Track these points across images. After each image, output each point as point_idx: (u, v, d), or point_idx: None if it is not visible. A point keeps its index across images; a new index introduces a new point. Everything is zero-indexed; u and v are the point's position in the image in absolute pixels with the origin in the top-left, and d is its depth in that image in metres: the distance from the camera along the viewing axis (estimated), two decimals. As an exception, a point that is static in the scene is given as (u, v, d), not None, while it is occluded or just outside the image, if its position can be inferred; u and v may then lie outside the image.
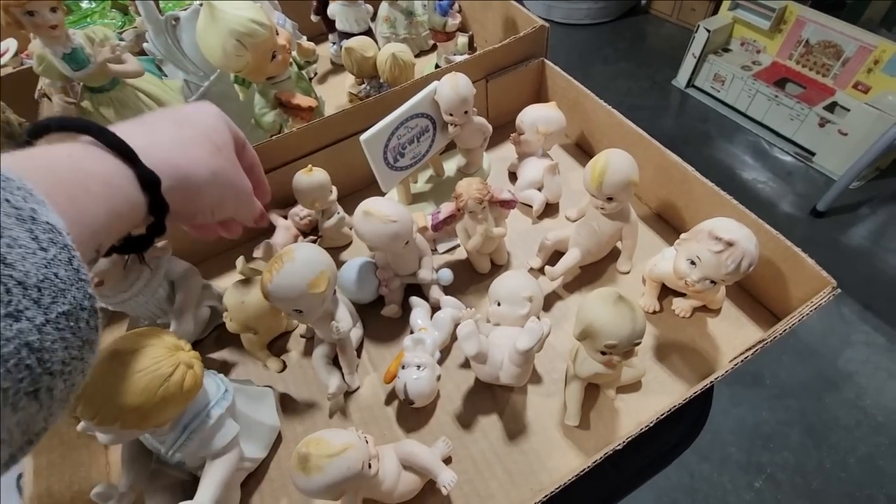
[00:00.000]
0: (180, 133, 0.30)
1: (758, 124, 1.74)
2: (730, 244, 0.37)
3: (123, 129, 0.27)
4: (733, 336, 0.46)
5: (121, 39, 0.55)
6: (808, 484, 1.12)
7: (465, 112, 0.52)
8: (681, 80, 1.92)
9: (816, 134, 1.58)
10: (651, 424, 0.34)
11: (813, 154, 1.62)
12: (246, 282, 0.44)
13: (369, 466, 0.34)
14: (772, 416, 1.22)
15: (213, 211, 0.33)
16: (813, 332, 1.33)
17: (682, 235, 0.42)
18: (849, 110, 1.49)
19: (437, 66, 0.74)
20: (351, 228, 0.56)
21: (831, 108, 1.55)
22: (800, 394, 1.25)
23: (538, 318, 0.43)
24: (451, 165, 0.62)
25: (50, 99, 0.64)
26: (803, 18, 1.58)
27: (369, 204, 0.43)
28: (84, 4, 0.82)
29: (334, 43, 0.79)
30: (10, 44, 0.87)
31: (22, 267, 0.17)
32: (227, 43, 0.46)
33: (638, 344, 0.36)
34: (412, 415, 0.45)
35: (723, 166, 1.66)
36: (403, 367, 0.43)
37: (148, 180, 0.26)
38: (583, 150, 0.64)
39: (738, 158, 1.70)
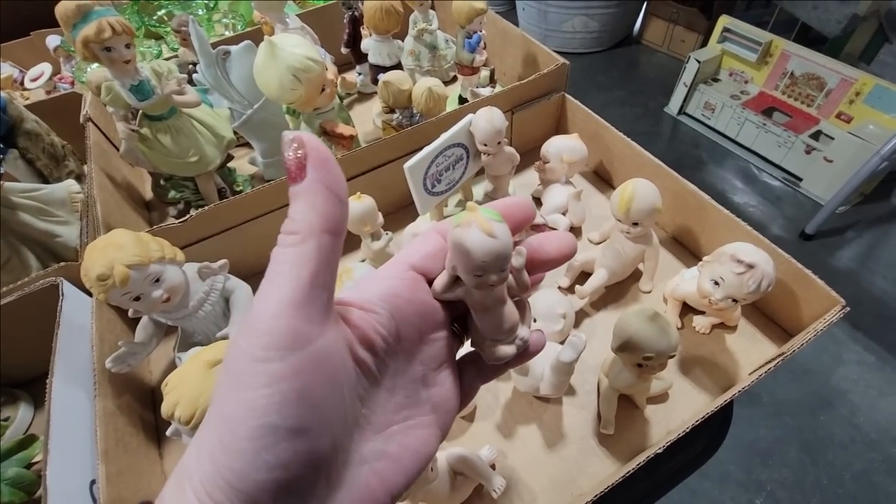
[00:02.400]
0: None
1: (747, 150, 1.83)
2: (751, 266, 0.42)
3: None
4: (750, 351, 0.49)
5: (181, 73, 0.59)
6: (807, 500, 1.15)
7: (499, 143, 0.56)
8: (673, 107, 2.01)
9: (803, 160, 1.66)
10: (686, 430, 0.37)
11: (800, 179, 1.70)
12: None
13: (431, 469, 0.37)
14: (769, 433, 1.25)
15: None
16: (805, 351, 1.37)
17: (705, 258, 0.46)
18: (833, 138, 1.57)
19: (460, 98, 0.78)
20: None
21: (816, 136, 1.64)
22: (795, 411, 1.28)
23: (570, 333, 0.46)
24: (478, 190, 0.66)
25: (95, 124, 0.67)
26: (788, 52, 1.68)
27: (418, 227, 0.47)
28: (117, 32, 0.86)
29: (360, 74, 0.84)
30: (45, 68, 0.91)
31: None
32: (284, 78, 0.50)
33: (672, 356, 0.39)
34: (455, 425, 0.48)
35: (714, 190, 1.73)
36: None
37: None
38: (601, 178, 0.68)
39: (729, 183, 1.77)
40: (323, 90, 0.54)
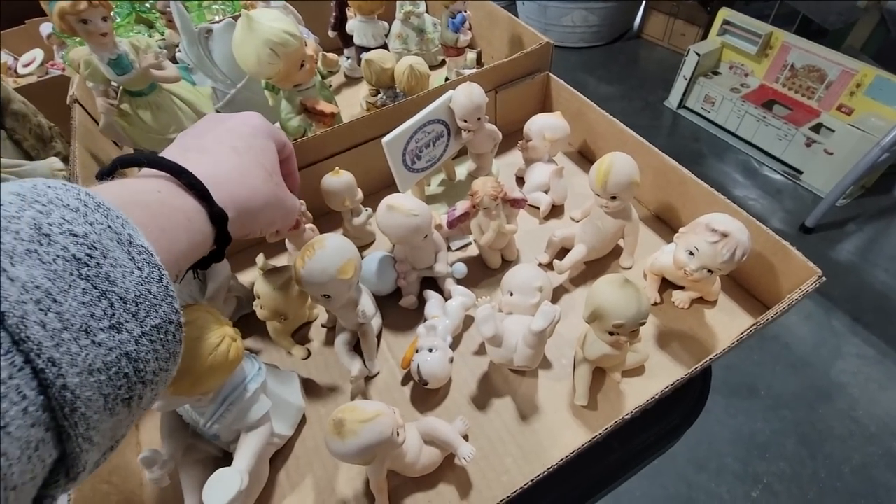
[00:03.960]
0: (240, 162, 0.32)
1: (747, 144, 1.81)
2: (725, 235, 0.41)
3: (192, 159, 0.29)
4: (729, 325, 0.49)
5: (160, 48, 0.59)
6: (804, 494, 1.13)
7: (479, 119, 0.56)
8: (672, 101, 2.00)
9: (803, 153, 1.65)
10: (654, 399, 0.37)
11: (801, 172, 1.69)
12: (276, 271, 0.47)
13: (397, 434, 0.36)
14: (767, 426, 1.24)
15: (262, 229, 0.36)
16: (805, 343, 1.37)
17: (681, 229, 0.45)
18: (834, 131, 1.56)
19: (447, 80, 0.78)
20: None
21: (817, 128, 1.62)
22: (794, 404, 1.27)
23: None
24: (462, 170, 0.66)
25: (81, 105, 0.68)
26: (788, 44, 1.67)
27: (393, 199, 0.47)
28: (110, 19, 0.87)
29: (349, 57, 0.84)
30: (37, 53, 0.91)
31: (123, 284, 0.19)
32: (261, 52, 0.50)
33: (643, 324, 0.39)
34: (429, 397, 0.47)
35: (714, 184, 1.69)
36: (417, 352, 0.46)
37: (218, 217, 0.29)
38: (585, 157, 0.68)
39: (729, 176, 1.76)
40: (302, 66, 0.54)
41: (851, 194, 1.59)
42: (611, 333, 0.40)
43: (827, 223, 1.56)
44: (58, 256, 0.17)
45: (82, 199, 0.20)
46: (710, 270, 0.43)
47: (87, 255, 0.18)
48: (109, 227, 0.20)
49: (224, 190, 0.30)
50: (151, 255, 0.21)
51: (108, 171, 0.29)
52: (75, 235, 0.18)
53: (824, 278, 0.42)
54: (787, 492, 1.15)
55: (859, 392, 1.27)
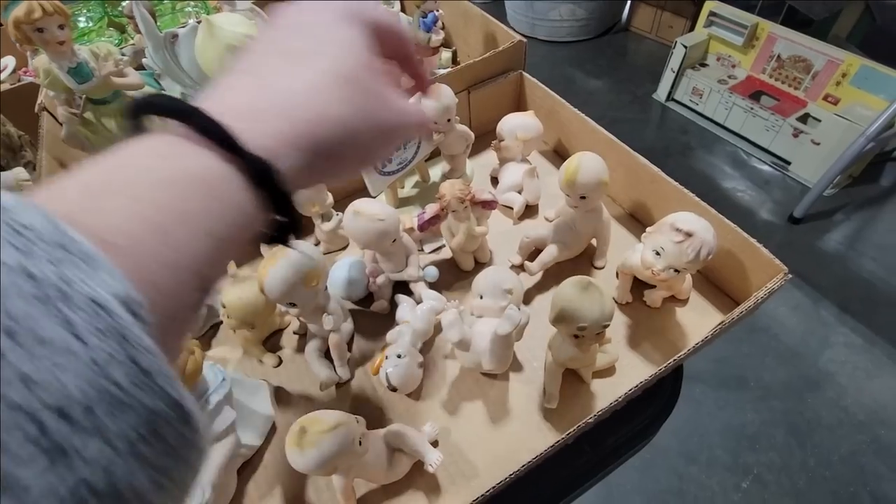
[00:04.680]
0: (297, 75, 0.20)
1: (735, 135, 1.81)
2: (689, 234, 0.41)
3: (224, 86, 0.20)
4: (700, 323, 0.49)
5: (122, 55, 0.58)
6: (794, 483, 1.14)
7: (448, 120, 0.55)
8: (661, 93, 1.99)
9: (791, 144, 1.65)
10: (619, 400, 0.37)
11: (789, 163, 1.68)
12: (243, 279, 0.47)
13: (360, 444, 0.36)
14: (757, 417, 1.25)
15: (360, 165, 0.24)
16: (793, 334, 1.37)
17: (648, 229, 0.45)
18: (820, 121, 1.56)
19: (422, 80, 0.78)
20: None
21: (804, 119, 1.62)
22: (783, 395, 1.28)
23: (518, 308, 0.46)
24: (436, 171, 0.66)
25: (51, 113, 0.67)
26: (774, 35, 1.66)
27: (358, 204, 0.46)
28: (81, 23, 0.86)
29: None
30: (9, 61, 0.90)
31: (56, 383, 0.11)
32: (224, 56, 0.49)
33: (606, 326, 0.39)
34: (400, 403, 0.47)
35: (703, 176, 1.72)
36: (387, 358, 0.45)
37: (259, 170, 0.18)
38: (560, 156, 0.68)
39: (718, 168, 1.76)
40: (268, 70, 0.53)
41: (839, 184, 1.59)
42: (576, 336, 0.40)
43: (815, 213, 1.56)
44: None
45: None
46: (676, 270, 0.43)
47: None
48: (25, 271, 0.11)
49: (270, 123, 0.19)
50: (109, 312, 0.12)
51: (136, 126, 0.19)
52: None
53: (790, 275, 0.41)
54: (777, 482, 1.15)
55: (847, 381, 1.28)
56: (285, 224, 0.20)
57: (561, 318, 0.39)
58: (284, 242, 0.22)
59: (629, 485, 1.17)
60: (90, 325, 0.11)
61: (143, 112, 0.18)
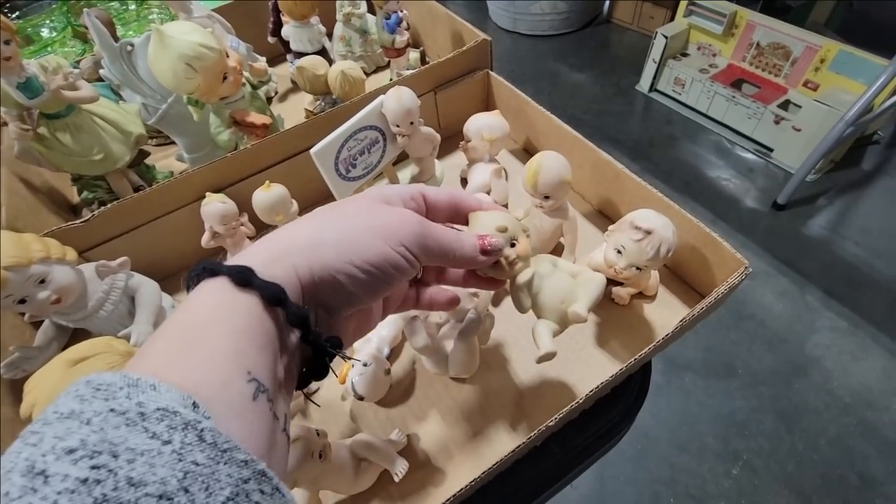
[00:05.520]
0: (332, 220, 0.25)
1: (719, 124, 1.81)
2: (648, 232, 0.41)
3: (271, 232, 0.24)
4: (667, 319, 0.49)
5: (76, 67, 0.58)
6: (783, 468, 1.15)
7: (411, 123, 0.55)
8: (644, 84, 1.99)
9: (773, 131, 1.65)
10: (580, 401, 0.37)
11: (771, 150, 1.69)
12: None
13: (320, 456, 0.36)
14: (745, 404, 1.26)
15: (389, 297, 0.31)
16: (780, 320, 1.38)
17: (610, 227, 0.45)
18: (801, 107, 1.56)
19: (390, 82, 0.77)
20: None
21: (785, 105, 1.63)
22: (771, 381, 1.29)
23: (487, 309, 0.45)
24: (405, 175, 0.65)
25: (7, 126, 0.66)
26: (753, 22, 1.66)
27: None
28: (45, 34, 0.84)
29: (292, 63, 0.82)
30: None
31: (154, 477, 0.14)
32: (177, 67, 0.48)
33: (526, 231, 0.35)
34: (369, 410, 0.47)
35: (689, 166, 1.72)
36: (353, 366, 0.45)
37: (274, 296, 0.21)
38: (529, 154, 0.67)
39: (703, 158, 1.76)
40: (225, 78, 0.52)
41: (821, 169, 1.59)
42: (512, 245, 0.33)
43: (798, 199, 1.57)
44: (59, 495, 0.13)
45: (79, 392, 0.16)
46: (638, 268, 0.42)
47: (94, 467, 0.14)
48: (111, 409, 0.15)
49: (305, 255, 0.23)
50: (173, 413, 0.15)
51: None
52: (71, 452, 0.14)
53: (750, 269, 0.41)
54: (766, 467, 1.16)
55: (833, 364, 1.29)
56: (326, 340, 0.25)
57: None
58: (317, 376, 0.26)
59: (622, 476, 1.18)
60: (165, 427, 0.15)
61: (204, 275, 0.22)
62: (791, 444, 1.19)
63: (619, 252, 0.43)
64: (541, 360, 0.35)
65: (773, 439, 1.20)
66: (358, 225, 0.25)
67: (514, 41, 2.37)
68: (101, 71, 0.59)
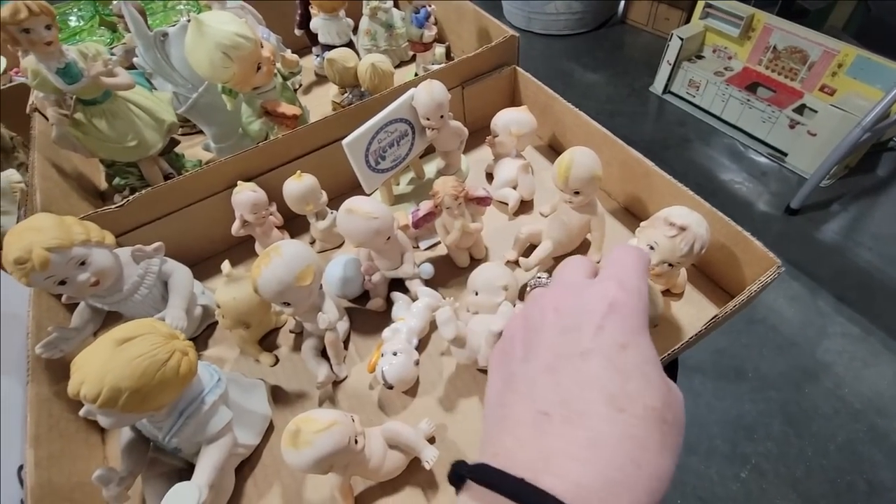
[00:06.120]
0: (624, 430, 0.18)
1: (732, 127, 1.80)
2: (682, 228, 0.41)
3: (554, 438, 0.18)
4: (695, 317, 0.49)
5: (112, 55, 0.58)
6: (792, 472, 1.15)
7: (441, 116, 0.55)
8: (657, 86, 1.99)
9: (787, 135, 1.64)
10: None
11: (785, 154, 1.68)
12: (236, 279, 0.47)
13: (356, 442, 0.36)
14: (754, 407, 1.25)
15: None
16: (791, 325, 1.38)
17: (642, 223, 0.45)
18: (816, 112, 1.55)
19: (416, 76, 0.77)
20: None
21: (800, 110, 1.62)
22: (780, 385, 1.28)
23: (514, 305, 0.46)
24: (431, 168, 0.66)
25: (42, 113, 0.66)
26: (770, 26, 1.66)
27: (352, 202, 0.46)
28: (72, 22, 0.85)
29: (318, 55, 0.83)
30: None
31: None
32: (214, 55, 0.49)
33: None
34: (397, 400, 0.47)
35: (701, 168, 1.72)
36: (382, 356, 0.45)
37: None
38: (555, 151, 0.67)
39: (716, 160, 1.76)
40: (259, 68, 0.53)
41: (835, 175, 1.59)
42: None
43: (812, 204, 1.56)
44: None
45: None
46: (670, 264, 0.43)
47: None
48: None
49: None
50: None
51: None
52: None
53: (783, 268, 0.41)
54: (775, 471, 1.16)
55: (844, 370, 1.28)
56: None
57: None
58: None
59: (629, 476, 1.18)
60: None
61: (470, 479, 0.18)
62: (800, 449, 1.19)
63: (651, 248, 0.43)
64: None
65: (782, 443, 1.20)
66: None
67: (527, 40, 2.36)
68: (134, 59, 0.60)
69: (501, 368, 0.23)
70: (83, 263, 0.42)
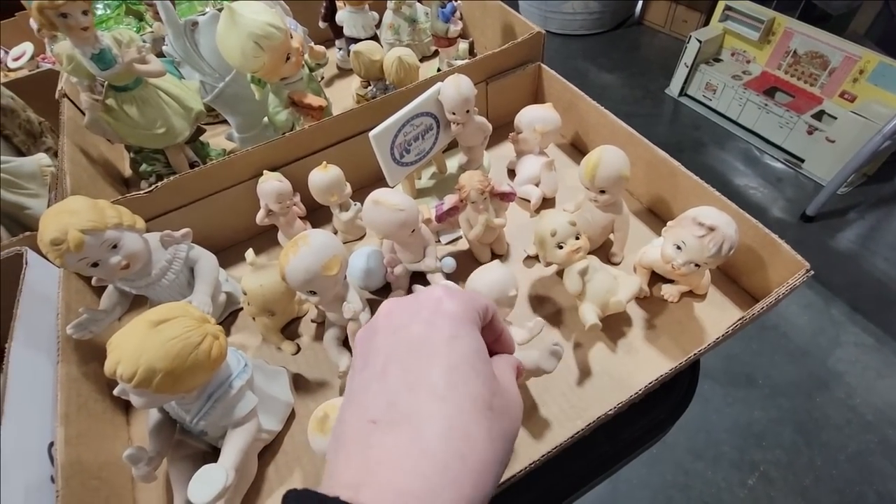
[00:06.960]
0: (447, 418, 0.18)
1: (749, 132, 1.79)
2: (711, 229, 0.41)
3: (376, 446, 0.18)
4: (718, 319, 0.49)
5: (143, 42, 0.59)
6: (800, 481, 1.14)
7: (467, 111, 0.55)
8: (674, 88, 1.97)
9: (805, 141, 1.63)
10: (639, 392, 0.37)
11: (802, 161, 1.67)
12: (263, 267, 0.47)
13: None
14: (764, 415, 1.25)
15: None
16: (803, 333, 1.36)
17: (669, 223, 0.45)
18: (836, 118, 1.54)
19: (438, 71, 0.77)
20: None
21: (819, 116, 1.60)
22: (791, 393, 1.27)
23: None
24: (453, 163, 0.66)
25: (70, 99, 0.67)
26: (791, 30, 1.64)
27: (378, 194, 0.46)
28: (99, 10, 0.86)
29: (340, 49, 0.83)
30: (27, 47, 0.91)
31: None
32: (245, 45, 0.49)
33: (574, 226, 0.46)
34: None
35: (716, 172, 1.71)
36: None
37: None
38: (577, 149, 0.67)
39: (731, 165, 1.74)
40: (288, 59, 0.53)
41: (853, 182, 1.57)
42: (559, 247, 0.46)
43: (828, 212, 1.55)
44: None
45: None
46: (697, 265, 0.43)
47: None
48: None
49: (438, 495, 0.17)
50: None
51: None
52: None
53: (812, 272, 0.41)
54: (783, 479, 1.15)
55: (856, 380, 1.27)
56: None
57: (540, 241, 0.47)
58: None
59: (636, 479, 1.18)
60: None
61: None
62: (809, 458, 1.18)
63: (678, 248, 0.43)
64: (590, 329, 0.44)
65: (791, 452, 1.19)
66: None
67: (543, 39, 2.36)
68: (163, 47, 0.60)
69: (347, 385, 0.22)
70: (115, 246, 0.42)
